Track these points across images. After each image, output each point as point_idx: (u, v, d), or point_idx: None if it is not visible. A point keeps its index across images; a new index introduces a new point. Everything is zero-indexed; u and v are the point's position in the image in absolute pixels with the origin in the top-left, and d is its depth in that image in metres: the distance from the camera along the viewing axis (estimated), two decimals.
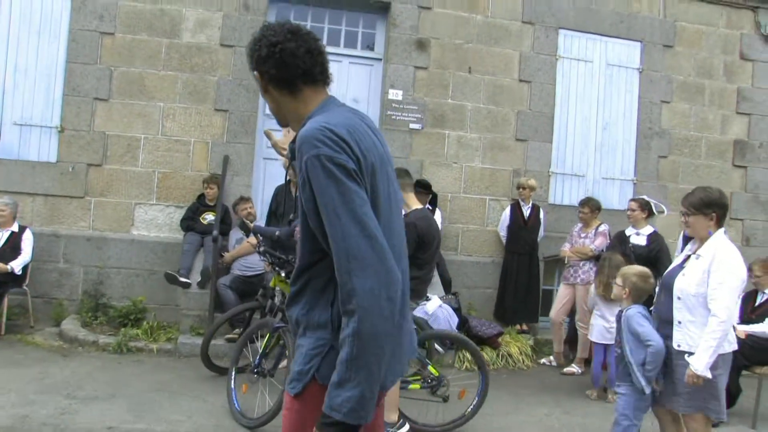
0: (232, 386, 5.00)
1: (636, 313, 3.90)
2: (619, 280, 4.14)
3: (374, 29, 8.35)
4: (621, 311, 4.13)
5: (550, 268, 8.48)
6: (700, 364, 3.55)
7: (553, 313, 7.23)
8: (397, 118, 8.06)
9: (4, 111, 7.43)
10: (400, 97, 8.06)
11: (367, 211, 1.67)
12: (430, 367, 5.01)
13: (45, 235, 7.30)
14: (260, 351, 4.92)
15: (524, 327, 7.92)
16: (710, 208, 3.76)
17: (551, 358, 7.36)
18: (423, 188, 7.52)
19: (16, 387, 5.24)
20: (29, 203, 7.39)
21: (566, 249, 7.19)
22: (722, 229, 3.80)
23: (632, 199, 6.76)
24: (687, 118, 8.88)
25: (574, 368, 7.01)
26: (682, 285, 3.76)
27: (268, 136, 2.54)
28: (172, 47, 7.68)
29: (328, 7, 8.19)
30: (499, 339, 7.27)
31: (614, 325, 6.03)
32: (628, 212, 6.65)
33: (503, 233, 8.14)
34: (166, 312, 7.41)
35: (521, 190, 7.91)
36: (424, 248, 4.74)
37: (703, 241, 3.81)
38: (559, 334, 7.25)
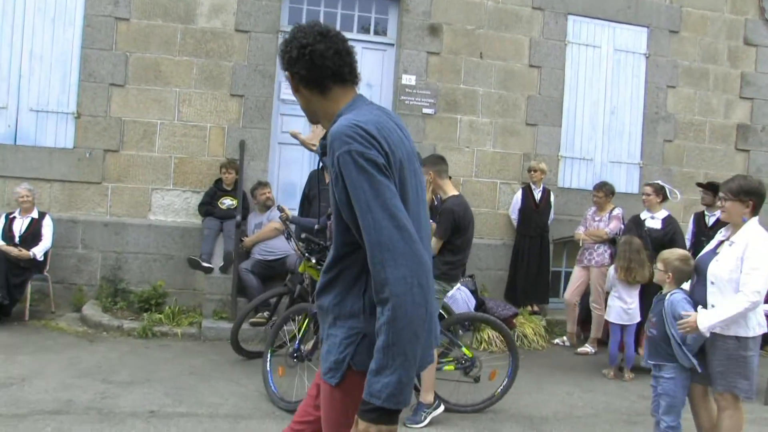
0: (268, 369, 5.10)
1: (681, 298, 4.03)
2: (660, 266, 4.26)
3: (386, 15, 8.39)
4: (660, 295, 4.26)
5: (558, 250, 8.65)
6: (704, 323, 3.72)
7: (567, 294, 7.41)
8: (411, 102, 8.15)
9: (20, 97, 7.43)
10: (413, 82, 8.14)
11: (397, 203, 1.74)
12: (464, 349, 5.17)
13: (63, 221, 7.34)
14: (298, 335, 5.03)
15: (535, 308, 8.10)
16: (748, 195, 3.91)
17: (564, 338, 7.55)
18: None
19: (51, 372, 5.33)
20: (47, 189, 7.41)
21: (580, 232, 7.35)
22: (756, 218, 3.95)
23: (647, 184, 6.90)
24: (692, 102, 9.05)
25: (587, 348, 7.21)
26: (715, 270, 3.91)
27: (294, 136, 2.63)
28: (187, 32, 7.69)
29: None
30: (514, 320, 7.43)
31: (632, 306, 6.26)
32: (644, 197, 6.80)
33: (514, 216, 8.29)
34: (184, 296, 7.51)
35: (532, 173, 8.05)
36: (459, 234, 4.86)
37: (737, 227, 3.96)
38: (572, 315, 7.43)
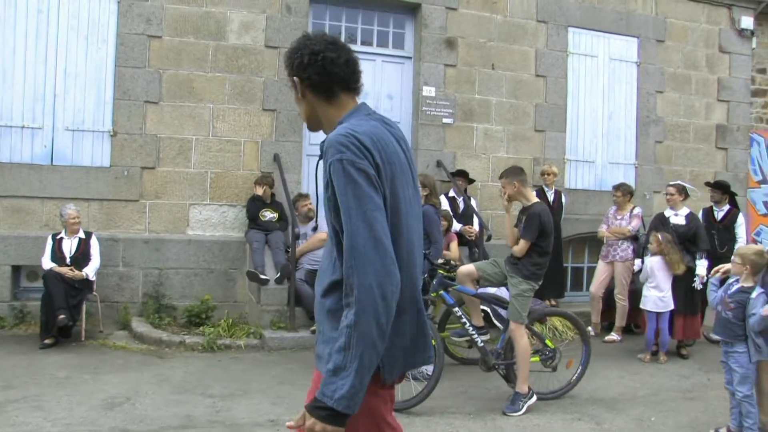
0: None
1: (762, 293, 4.61)
2: (738, 259, 4.81)
3: (403, 29, 8.76)
4: (728, 280, 4.84)
5: (579, 247, 9.28)
6: None
7: (593, 287, 7.98)
8: (431, 113, 8.55)
9: (56, 117, 7.38)
10: (433, 94, 8.55)
11: (377, 215, 1.79)
12: (547, 341, 5.63)
13: (103, 239, 7.32)
14: None
15: (552, 302, 8.65)
16: None
17: (589, 328, 8.11)
18: (462, 177, 8.11)
19: (147, 389, 5.42)
20: (85, 208, 7.37)
21: (603, 230, 7.93)
22: None
23: (670, 185, 7.54)
24: (677, 106, 9.86)
25: (614, 336, 7.81)
26: None
27: None
28: (218, 49, 7.82)
29: (360, 8, 8.53)
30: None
31: (666, 295, 6.87)
32: (668, 196, 7.44)
33: None
34: (226, 309, 7.61)
35: (546, 176, 8.59)
36: (544, 237, 5.30)
37: None
38: (597, 306, 8.01)
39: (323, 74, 2.01)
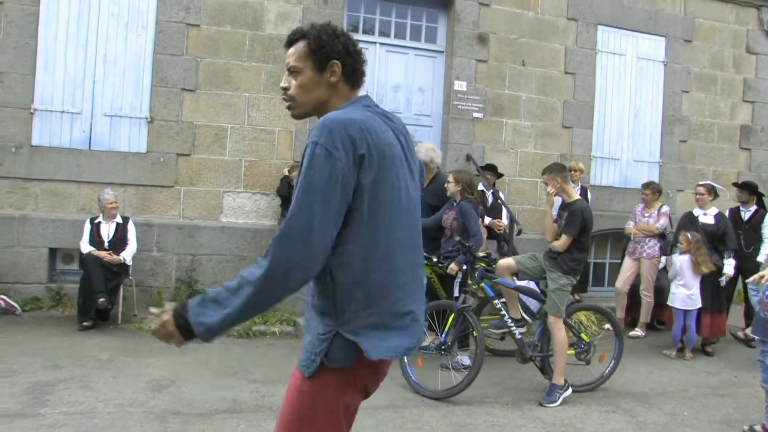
0: (406, 361, 5.50)
1: None
2: None
3: (436, 23, 8.83)
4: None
5: (602, 242, 9.38)
6: None
7: (619, 283, 8.07)
8: (462, 107, 8.62)
9: (95, 103, 7.47)
10: (464, 88, 8.62)
11: (323, 210, 1.84)
12: (582, 335, 5.74)
13: (138, 224, 7.40)
14: (446, 329, 5.45)
15: (576, 297, 8.75)
16: None
17: (607, 326, 8.21)
18: (491, 171, 8.19)
19: (189, 373, 5.52)
20: (121, 193, 7.47)
21: (631, 226, 8.02)
22: None
23: (700, 185, 7.61)
24: (702, 106, 9.92)
25: (638, 332, 7.90)
26: None
27: None
28: (255, 39, 7.89)
29: (395, 2, 8.59)
30: None
31: (694, 293, 6.96)
32: (698, 196, 7.51)
33: (556, 213, 8.88)
34: None
35: (572, 172, 8.63)
36: (585, 233, 5.41)
37: None
38: (622, 302, 8.10)
39: (360, 63, 2.17)
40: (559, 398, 5.34)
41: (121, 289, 6.96)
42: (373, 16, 8.54)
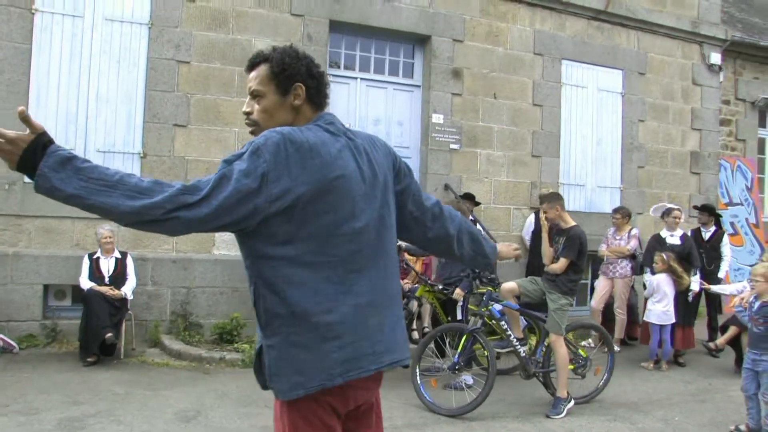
0: (419, 382, 5.79)
1: None
2: (761, 278, 5.40)
3: (413, 59, 9.27)
4: (755, 301, 5.45)
5: None
6: None
7: (594, 302, 8.58)
8: (440, 139, 9.05)
9: (87, 138, 7.53)
10: (441, 121, 9.06)
11: (209, 200, 1.86)
12: (580, 350, 6.17)
13: (133, 259, 7.49)
14: (458, 351, 5.76)
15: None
16: None
17: (590, 340, 8.72)
18: (469, 200, 8.61)
19: (209, 404, 5.65)
20: (115, 228, 7.51)
21: (603, 249, 8.55)
22: None
23: (675, 208, 8.17)
24: (657, 134, 10.68)
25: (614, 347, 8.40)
26: None
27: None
28: (244, 75, 8.05)
29: (374, 39, 8.99)
30: None
31: (669, 309, 7.50)
32: (676, 219, 8.04)
33: (527, 237, 9.38)
34: (251, 326, 7.86)
35: None
36: (581, 256, 5.85)
37: None
38: (598, 320, 8.58)
39: (323, 85, 2.21)
40: (563, 410, 5.72)
41: (124, 324, 7.00)
42: (354, 53, 8.91)
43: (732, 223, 11.29)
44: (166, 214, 1.83)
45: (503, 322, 6.00)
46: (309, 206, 1.97)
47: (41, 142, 1.79)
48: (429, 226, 2.48)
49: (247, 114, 2.17)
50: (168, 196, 1.83)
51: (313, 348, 2.00)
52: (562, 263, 5.83)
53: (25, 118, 1.80)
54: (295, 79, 2.12)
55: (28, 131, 1.79)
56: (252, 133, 2.15)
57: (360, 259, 2.08)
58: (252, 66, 2.19)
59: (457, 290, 6.19)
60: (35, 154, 1.77)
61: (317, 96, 2.18)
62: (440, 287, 6.25)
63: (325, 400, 2.06)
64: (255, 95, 2.15)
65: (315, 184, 1.97)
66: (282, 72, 2.11)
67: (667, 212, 8.14)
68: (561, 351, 5.82)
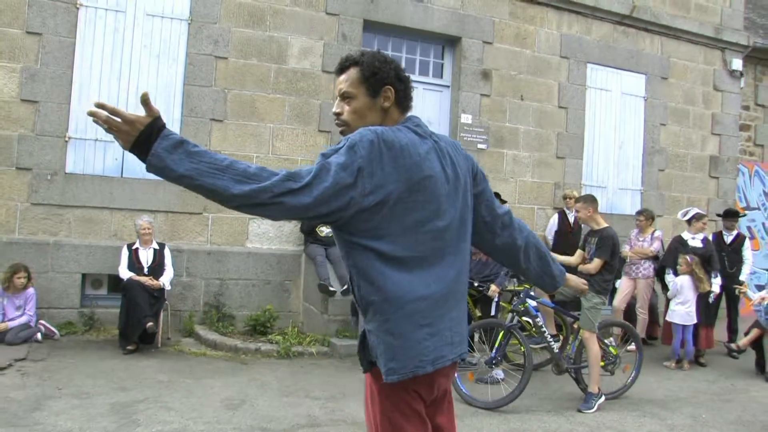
0: (456, 375, 5.94)
1: None
2: None
3: (443, 59, 9.42)
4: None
5: None
6: None
7: (616, 301, 8.73)
8: (468, 139, 9.21)
9: None
10: (470, 121, 9.22)
11: (301, 190, 1.95)
12: (610, 348, 6.33)
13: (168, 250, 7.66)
14: (496, 345, 5.93)
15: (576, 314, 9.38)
16: None
17: (611, 339, 8.86)
18: (497, 199, 8.75)
19: (252, 393, 5.79)
20: (152, 219, 7.69)
21: (627, 250, 8.71)
22: None
23: (703, 214, 8.33)
24: (677, 138, 10.83)
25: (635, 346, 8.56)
26: None
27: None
28: (279, 72, 8.29)
29: (406, 39, 9.15)
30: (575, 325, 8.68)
31: (692, 310, 7.66)
32: (703, 224, 8.21)
33: (550, 237, 9.55)
34: (282, 318, 8.02)
35: (567, 200, 9.35)
36: (614, 256, 6.02)
37: None
38: (620, 319, 8.76)
39: (409, 89, 2.32)
40: (595, 405, 5.89)
41: (162, 314, 7.16)
42: (386, 52, 9.03)
43: (749, 228, 11.45)
44: (273, 198, 1.93)
45: (539, 319, 6.16)
46: (399, 203, 2.08)
47: (157, 126, 1.91)
48: (498, 233, 2.56)
49: (338, 114, 2.27)
50: (274, 182, 1.94)
51: (405, 335, 2.12)
52: (596, 263, 5.99)
53: (145, 101, 1.94)
54: (384, 82, 2.22)
55: (144, 114, 1.91)
56: (342, 133, 2.25)
57: (442, 256, 2.21)
58: (342, 69, 2.28)
59: (492, 287, 6.35)
60: (150, 137, 1.89)
61: (404, 99, 2.29)
62: (476, 284, 6.41)
63: (414, 387, 2.17)
64: (345, 97, 2.25)
65: (405, 183, 2.08)
66: (373, 75, 2.22)
67: (697, 217, 8.28)
68: (594, 348, 5.98)
